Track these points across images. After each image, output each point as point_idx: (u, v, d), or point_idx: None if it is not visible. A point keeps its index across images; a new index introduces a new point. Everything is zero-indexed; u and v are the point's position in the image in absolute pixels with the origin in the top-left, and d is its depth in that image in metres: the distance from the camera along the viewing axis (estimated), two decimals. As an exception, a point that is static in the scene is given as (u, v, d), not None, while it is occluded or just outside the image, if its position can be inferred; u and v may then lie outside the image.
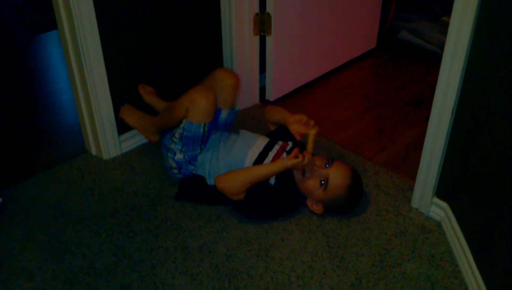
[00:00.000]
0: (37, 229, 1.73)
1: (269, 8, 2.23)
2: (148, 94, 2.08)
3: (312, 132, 1.79)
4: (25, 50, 3.10)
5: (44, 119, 2.39)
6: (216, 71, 1.96)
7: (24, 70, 2.86)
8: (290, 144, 1.87)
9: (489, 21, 1.42)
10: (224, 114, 1.93)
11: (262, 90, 2.49)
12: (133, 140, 2.13)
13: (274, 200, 1.77)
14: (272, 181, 1.80)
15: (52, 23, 1.96)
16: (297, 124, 1.85)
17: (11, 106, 2.50)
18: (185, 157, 1.83)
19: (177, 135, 1.81)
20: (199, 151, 1.84)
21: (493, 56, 1.43)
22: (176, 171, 1.87)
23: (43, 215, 1.79)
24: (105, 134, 2.02)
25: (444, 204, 1.76)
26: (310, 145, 1.78)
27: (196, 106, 1.73)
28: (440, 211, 1.78)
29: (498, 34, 1.40)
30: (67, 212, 1.81)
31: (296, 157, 1.71)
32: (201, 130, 1.78)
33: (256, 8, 2.22)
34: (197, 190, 1.86)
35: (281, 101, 2.50)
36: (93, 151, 2.09)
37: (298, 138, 1.83)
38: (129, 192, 1.90)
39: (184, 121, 1.77)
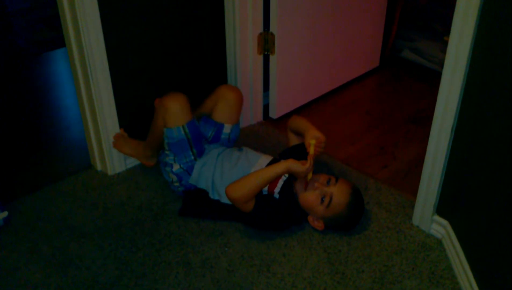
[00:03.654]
0: (42, 242, 1.76)
1: (273, 28, 2.27)
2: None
3: (312, 142, 1.79)
4: (35, 67, 3.16)
5: (51, 134, 2.43)
6: (219, 88, 2.00)
7: (33, 86, 2.91)
8: None
9: (488, 39, 1.45)
10: (226, 129, 1.97)
11: (266, 108, 2.52)
12: (138, 156, 2.16)
13: (280, 212, 1.78)
14: (276, 196, 1.82)
15: (61, 41, 2.01)
16: (313, 139, 1.83)
17: (19, 121, 2.54)
18: (182, 166, 1.86)
19: (165, 146, 1.86)
20: (193, 157, 1.86)
21: (492, 74, 1.45)
22: (177, 184, 1.90)
23: (48, 229, 1.82)
24: (110, 150, 2.05)
25: (444, 222, 1.78)
26: (311, 151, 1.79)
27: (169, 110, 1.80)
28: (440, 229, 1.79)
29: (496, 52, 1.42)
30: (71, 226, 1.83)
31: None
32: (182, 132, 1.81)
33: (260, 28, 2.27)
34: (201, 206, 1.88)
35: (285, 119, 2.52)
36: (99, 167, 2.12)
37: (307, 150, 1.82)
38: (133, 207, 1.93)
39: (164, 130, 1.82)
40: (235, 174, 1.83)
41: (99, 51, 1.87)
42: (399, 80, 2.95)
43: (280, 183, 1.83)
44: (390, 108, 2.66)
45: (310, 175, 1.77)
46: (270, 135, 2.40)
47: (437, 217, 1.80)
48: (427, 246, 1.77)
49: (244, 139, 2.34)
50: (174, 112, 1.80)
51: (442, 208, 1.78)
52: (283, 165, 1.74)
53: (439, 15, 3.12)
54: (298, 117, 2.03)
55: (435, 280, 1.63)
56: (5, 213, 1.80)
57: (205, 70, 2.29)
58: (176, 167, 1.87)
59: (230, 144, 2.01)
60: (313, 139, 1.79)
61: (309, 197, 1.76)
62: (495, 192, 1.46)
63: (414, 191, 1.88)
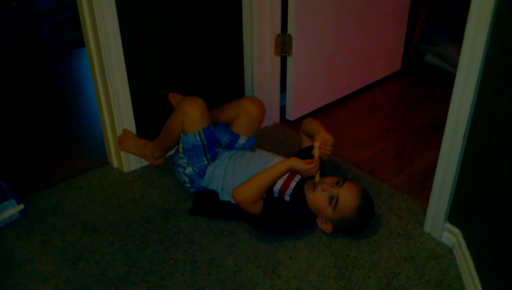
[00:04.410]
0: (55, 236, 1.81)
1: (291, 29, 2.27)
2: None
3: (316, 144, 1.78)
4: (60, 65, 3.24)
5: (72, 131, 2.49)
6: (243, 100, 2.01)
7: (57, 84, 2.99)
8: None
9: (502, 44, 1.42)
10: (242, 140, 2.00)
11: (283, 109, 2.52)
12: (153, 154, 2.19)
13: (288, 216, 1.79)
14: (287, 198, 1.82)
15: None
16: (321, 141, 1.82)
17: (42, 117, 2.61)
18: (194, 169, 1.88)
19: (180, 150, 1.89)
20: (206, 162, 1.88)
21: (506, 81, 1.42)
22: (189, 185, 1.92)
23: (62, 223, 1.87)
24: (126, 147, 2.09)
25: (456, 230, 1.74)
26: (316, 153, 1.77)
27: (188, 115, 1.82)
28: (452, 237, 1.76)
29: (511, 57, 1.39)
30: (85, 221, 1.88)
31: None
32: (198, 138, 1.83)
33: (277, 30, 2.27)
34: (211, 206, 1.90)
35: (301, 121, 2.51)
36: (115, 164, 2.16)
37: (313, 152, 1.82)
38: (145, 204, 1.96)
39: (181, 135, 1.84)
40: (248, 174, 1.83)
41: (117, 50, 1.91)
42: (421, 85, 2.91)
43: (292, 185, 1.84)
44: (410, 113, 2.62)
45: (317, 177, 1.77)
46: (286, 136, 2.40)
47: (448, 225, 1.77)
48: (437, 254, 1.74)
49: (260, 140, 2.34)
50: (192, 117, 1.82)
51: (454, 216, 1.75)
52: (285, 164, 1.75)
53: (462, 20, 3.05)
54: (311, 119, 2.03)
55: (442, 288, 1.61)
56: (21, 206, 1.85)
57: (222, 71, 2.31)
58: (188, 170, 1.90)
59: (243, 150, 2.03)
60: (318, 141, 1.79)
61: (317, 198, 1.76)
62: (507, 202, 1.43)
63: (427, 198, 1.84)
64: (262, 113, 2.00)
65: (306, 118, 2.06)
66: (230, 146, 2.01)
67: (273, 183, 1.78)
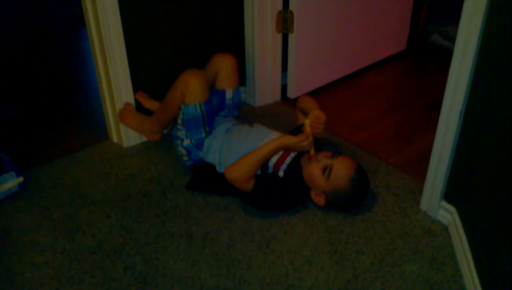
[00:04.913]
0: (54, 208, 1.83)
1: (292, 6, 2.25)
2: (147, 100, 2.14)
3: (306, 122, 1.78)
4: (68, 42, 3.25)
5: (75, 107, 2.51)
6: (214, 57, 2.05)
7: (63, 60, 3.00)
8: None
9: (499, 22, 1.40)
10: (229, 94, 2.03)
11: (284, 87, 2.51)
12: (153, 130, 2.20)
13: (281, 192, 1.79)
14: (281, 174, 1.83)
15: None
16: (312, 119, 1.81)
17: (43, 93, 2.63)
18: (192, 141, 1.90)
19: (179, 121, 1.89)
20: (204, 135, 1.90)
21: (503, 59, 1.40)
22: (186, 158, 1.93)
23: (61, 196, 1.89)
24: (126, 123, 2.11)
25: (452, 208, 1.74)
26: (308, 130, 1.78)
27: (190, 86, 1.82)
28: (447, 215, 1.75)
29: (507, 36, 1.37)
30: (83, 194, 1.90)
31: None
32: (198, 110, 1.85)
33: (279, 6, 2.26)
34: (208, 180, 1.91)
35: (303, 99, 2.52)
36: (115, 139, 2.18)
37: (303, 128, 1.81)
38: (143, 179, 1.98)
39: (181, 106, 1.85)
40: (245, 148, 1.84)
41: (116, 26, 1.91)
42: (426, 65, 2.88)
43: (288, 160, 1.84)
44: (413, 94, 2.60)
45: (312, 152, 1.78)
46: (286, 114, 2.39)
47: (444, 203, 1.76)
48: (432, 231, 1.74)
49: (260, 118, 2.35)
50: (194, 88, 1.84)
51: (450, 194, 1.75)
52: (277, 141, 1.76)
53: None
54: (306, 97, 2.03)
55: (435, 265, 1.61)
56: (21, 179, 1.88)
57: (222, 48, 2.30)
58: (186, 142, 1.91)
59: (236, 110, 2.05)
60: (309, 118, 1.79)
61: (311, 169, 1.76)
62: (502, 181, 1.42)
63: (425, 177, 1.84)
64: (235, 61, 2.05)
65: (302, 95, 2.07)
66: (222, 106, 2.02)
67: (265, 161, 1.79)
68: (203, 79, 1.86)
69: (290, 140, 1.76)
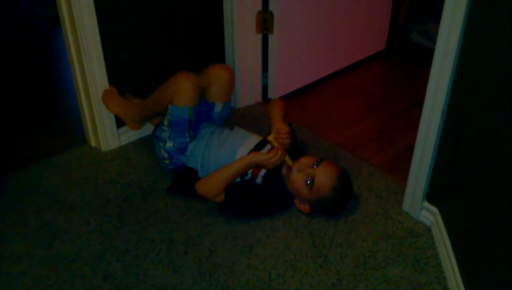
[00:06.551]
0: (31, 215, 1.78)
1: (272, 6, 2.23)
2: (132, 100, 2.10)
3: (270, 138, 1.78)
4: (43, 42, 3.18)
5: (52, 110, 2.45)
6: (210, 67, 1.98)
7: (39, 61, 2.94)
8: None
9: (479, 21, 1.40)
10: (218, 108, 1.96)
11: (265, 88, 2.49)
12: (132, 133, 2.16)
13: (259, 199, 1.77)
14: (259, 180, 1.80)
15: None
16: (274, 133, 1.80)
17: (19, 96, 2.57)
18: (175, 145, 1.86)
19: (165, 122, 1.85)
20: (188, 139, 1.86)
21: (483, 58, 1.40)
22: (167, 161, 1.90)
23: (38, 202, 1.84)
24: (104, 127, 2.06)
25: (434, 209, 1.74)
26: (274, 144, 1.77)
27: (182, 89, 1.78)
28: (430, 216, 1.75)
29: (488, 35, 1.37)
30: (61, 200, 1.85)
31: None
32: (187, 114, 1.81)
33: (258, 6, 2.23)
34: (189, 185, 1.88)
35: (284, 100, 2.49)
36: (93, 143, 2.13)
37: (270, 144, 1.81)
38: (123, 184, 1.94)
39: (169, 106, 1.81)
40: (223, 152, 1.83)
41: (92, 26, 1.86)
42: (406, 64, 2.89)
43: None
44: (394, 93, 2.61)
45: (289, 161, 1.76)
46: (267, 116, 2.36)
47: (427, 204, 1.76)
48: (415, 233, 1.74)
49: (241, 119, 2.32)
50: (187, 92, 1.79)
51: (432, 195, 1.75)
52: (246, 159, 1.74)
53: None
54: (273, 104, 1.99)
55: (419, 267, 1.61)
56: (-5, 185, 1.83)
57: (201, 49, 2.27)
58: (169, 144, 1.87)
59: (221, 122, 2.00)
60: (272, 134, 1.79)
61: (294, 179, 1.74)
62: (484, 181, 1.42)
63: (407, 178, 1.84)
64: (231, 76, 1.97)
65: (272, 100, 2.07)
66: (208, 117, 1.97)
67: (235, 178, 1.76)
68: (196, 84, 1.82)
69: (258, 157, 1.72)
